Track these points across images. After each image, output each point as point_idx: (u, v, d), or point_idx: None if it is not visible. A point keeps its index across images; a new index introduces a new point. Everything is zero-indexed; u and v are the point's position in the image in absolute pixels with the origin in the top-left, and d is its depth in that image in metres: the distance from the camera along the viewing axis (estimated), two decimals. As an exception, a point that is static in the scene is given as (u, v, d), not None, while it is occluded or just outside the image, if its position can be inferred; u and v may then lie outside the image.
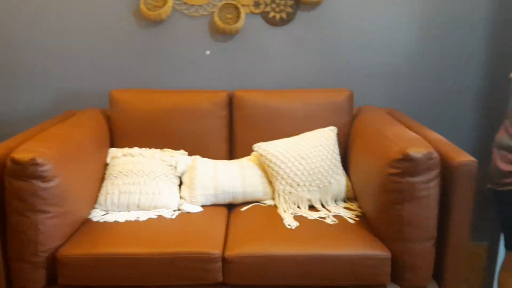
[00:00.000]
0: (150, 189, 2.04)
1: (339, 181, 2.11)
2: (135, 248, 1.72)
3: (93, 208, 2.03)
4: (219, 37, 2.46)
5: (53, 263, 1.72)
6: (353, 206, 2.08)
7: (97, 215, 1.98)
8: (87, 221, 1.94)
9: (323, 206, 2.07)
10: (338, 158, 2.17)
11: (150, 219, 1.94)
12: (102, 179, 2.12)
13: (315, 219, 1.94)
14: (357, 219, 1.95)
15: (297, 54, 2.48)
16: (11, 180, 1.65)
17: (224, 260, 1.73)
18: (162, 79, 2.49)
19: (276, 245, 1.75)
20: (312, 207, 2.06)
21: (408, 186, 1.66)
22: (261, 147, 2.13)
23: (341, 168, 2.16)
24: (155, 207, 2.02)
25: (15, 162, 1.63)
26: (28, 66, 2.47)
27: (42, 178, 1.66)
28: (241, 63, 2.49)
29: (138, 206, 2.02)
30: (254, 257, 1.71)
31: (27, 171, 1.63)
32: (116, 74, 2.48)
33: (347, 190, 2.13)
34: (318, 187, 2.06)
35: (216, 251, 1.72)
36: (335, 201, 2.11)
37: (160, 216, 1.97)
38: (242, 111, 2.31)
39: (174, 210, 2.03)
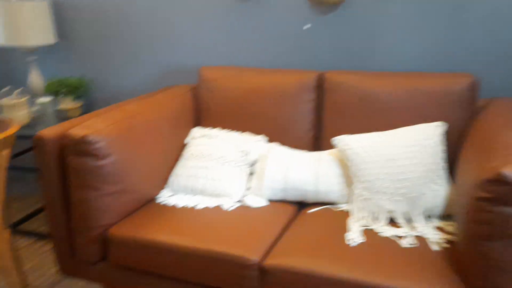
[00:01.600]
0: (216, 175, 1.92)
1: (436, 193, 1.66)
2: (176, 238, 1.63)
3: (163, 188, 2.00)
4: (320, 8, 2.14)
5: (106, 240, 1.75)
6: (450, 227, 1.62)
7: (163, 195, 1.95)
8: (151, 201, 1.92)
9: (408, 221, 1.67)
10: (442, 163, 1.70)
11: (206, 208, 1.83)
12: (178, 159, 2.08)
13: (388, 238, 1.57)
14: (446, 245, 1.51)
15: (416, 29, 2.02)
16: (69, 155, 1.70)
17: (261, 269, 1.52)
18: (258, 56, 2.31)
19: (323, 262, 1.45)
20: (393, 221, 1.68)
21: (500, 219, 1.19)
22: (342, 141, 1.80)
23: (443, 176, 1.69)
24: (218, 195, 1.90)
25: (69, 138, 1.67)
26: (138, 40, 2.54)
27: (94, 156, 1.67)
28: (344, 39, 2.13)
29: (202, 192, 1.92)
30: (292, 272, 1.45)
31: (79, 148, 1.66)
32: (217, 50, 2.39)
33: (448, 205, 1.67)
34: (405, 197, 1.66)
35: (254, 257, 1.52)
36: (428, 217, 1.68)
37: (218, 206, 1.84)
38: (332, 95, 1.99)
39: (236, 201, 1.88)
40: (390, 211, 1.67)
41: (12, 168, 2.66)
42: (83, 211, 1.72)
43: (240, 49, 2.33)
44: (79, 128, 1.68)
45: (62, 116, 2.58)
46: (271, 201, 1.88)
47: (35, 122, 2.53)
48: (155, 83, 2.57)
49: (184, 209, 1.83)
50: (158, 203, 1.89)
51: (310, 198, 1.84)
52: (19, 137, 2.37)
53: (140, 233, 1.68)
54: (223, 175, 1.92)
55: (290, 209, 1.84)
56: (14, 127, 1.82)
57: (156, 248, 1.63)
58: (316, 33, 2.17)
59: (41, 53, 2.78)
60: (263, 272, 1.51)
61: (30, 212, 2.83)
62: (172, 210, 1.83)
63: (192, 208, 1.83)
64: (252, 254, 1.53)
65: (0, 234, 1.81)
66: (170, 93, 2.18)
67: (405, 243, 1.53)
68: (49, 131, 1.73)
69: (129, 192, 1.80)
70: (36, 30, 2.48)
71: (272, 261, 1.50)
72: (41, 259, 2.38)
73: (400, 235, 1.58)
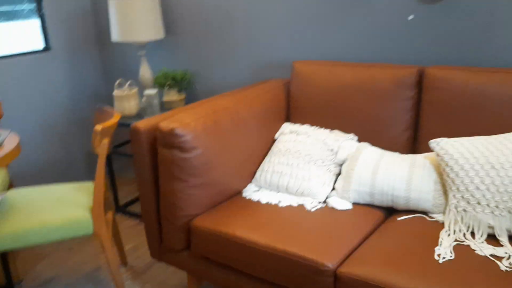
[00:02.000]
0: (301, 173, 1.87)
1: (551, 210, 1.42)
2: (254, 235, 1.61)
3: (250, 182, 2.01)
4: (426, -3, 1.95)
5: (190, 229, 1.80)
6: None
7: (249, 189, 1.95)
8: (237, 195, 1.94)
9: (511, 239, 1.46)
10: (560, 175, 1.45)
11: (289, 207, 1.79)
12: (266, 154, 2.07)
13: (484, 257, 1.38)
14: (555, 273, 1.29)
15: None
16: (159, 147, 1.78)
17: (336, 276, 1.44)
18: (354, 50, 2.18)
19: (404, 277, 1.33)
20: (493, 238, 1.48)
21: None
22: (439, 144, 1.63)
23: (561, 190, 1.45)
24: (302, 194, 1.84)
25: (159, 131, 1.74)
26: (237, 35, 2.57)
27: (181, 149, 1.72)
28: (451, 31, 1.92)
29: (286, 189, 1.88)
30: (368, 283, 1.36)
31: (167, 140, 1.73)
32: (313, 43, 2.31)
33: None
34: (509, 212, 1.45)
35: (330, 263, 1.45)
36: (538, 237, 1.45)
37: (300, 206, 1.79)
38: (433, 93, 1.81)
39: (320, 202, 1.81)
40: (490, 226, 1.47)
41: (124, 155, 2.88)
42: (170, 200, 1.79)
43: (335, 42, 2.23)
44: (169, 122, 1.75)
45: (167, 108, 2.73)
46: (357, 204, 1.78)
47: (142, 112, 2.71)
48: (252, 77, 2.58)
49: (267, 205, 1.81)
50: (243, 197, 1.90)
51: (400, 204, 1.70)
52: (128, 126, 2.56)
53: (221, 226, 1.70)
54: (309, 174, 1.86)
55: (377, 215, 1.72)
56: (114, 118, 1.96)
57: (234, 243, 1.64)
58: (420, 24, 1.99)
59: (151, 47, 2.96)
60: (338, 280, 1.43)
61: (137, 195, 3.05)
62: (255, 205, 1.82)
63: (275, 205, 1.80)
64: (328, 259, 1.46)
65: (102, 217, 1.97)
66: (262, 88, 2.17)
67: (504, 265, 1.34)
68: (144, 123, 1.82)
69: (214, 185, 1.83)
70: (147, 26, 2.63)
71: (348, 269, 1.42)
72: (142, 240, 2.56)
73: (500, 255, 1.39)
